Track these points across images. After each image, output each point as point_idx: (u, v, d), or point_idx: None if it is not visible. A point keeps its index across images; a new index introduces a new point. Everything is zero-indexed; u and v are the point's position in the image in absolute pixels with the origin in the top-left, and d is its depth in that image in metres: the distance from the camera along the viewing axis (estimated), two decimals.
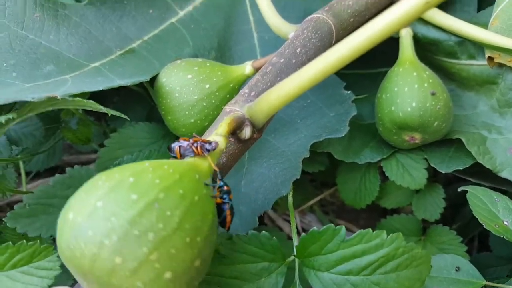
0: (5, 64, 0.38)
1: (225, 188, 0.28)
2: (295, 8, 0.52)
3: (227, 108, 0.36)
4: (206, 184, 0.26)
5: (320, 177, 0.56)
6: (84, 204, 0.22)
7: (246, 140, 0.35)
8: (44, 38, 0.41)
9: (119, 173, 0.23)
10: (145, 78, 0.43)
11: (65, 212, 0.23)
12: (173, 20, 0.49)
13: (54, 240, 0.43)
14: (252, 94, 0.37)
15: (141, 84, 0.47)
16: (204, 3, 0.52)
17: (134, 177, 0.23)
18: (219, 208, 0.28)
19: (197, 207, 0.24)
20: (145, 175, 0.23)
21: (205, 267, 0.25)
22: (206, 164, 0.27)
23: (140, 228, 0.21)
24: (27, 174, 0.56)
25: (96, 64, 0.43)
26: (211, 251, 0.25)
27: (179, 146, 0.28)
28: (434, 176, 0.53)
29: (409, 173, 0.47)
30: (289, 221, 0.56)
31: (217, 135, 0.30)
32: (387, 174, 0.48)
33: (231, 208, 0.28)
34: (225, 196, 0.28)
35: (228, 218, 0.28)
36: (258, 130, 0.36)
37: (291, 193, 0.45)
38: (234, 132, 0.35)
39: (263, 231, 0.36)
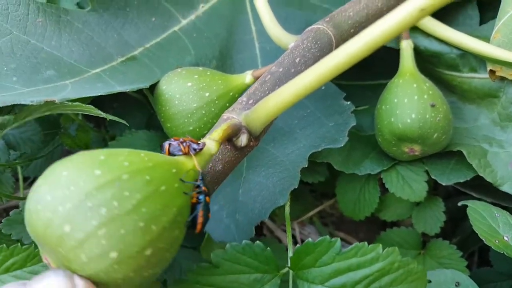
0: (5, 68, 0.38)
1: (203, 188, 0.27)
2: (296, 20, 0.53)
3: (225, 115, 0.36)
4: (182, 180, 0.26)
5: (320, 187, 0.56)
6: (52, 173, 0.23)
7: (243, 148, 0.35)
8: (46, 43, 0.41)
9: (95, 152, 0.24)
10: (146, 85, 0.43)
11: (38, 180, 0.24)
12: (176, 28, 0.50)
13: None
14: (250, 102, 0.37)
15: (141, 91, 0.47)
16: (206, 13, 0.52)
17: (106, 156, 0.24)
18: (193, 207, 0.28)
19: (161, 197, 0.24)
20: (117, 157, 0.24)
21: (160, 262, 0.24)
22: (191, 164, 0.27)
23: (94, 201, 0.22)
24: (25, 179, 0.56)
25: (97, 70, 0.44)
26: (170, 247, 0.25)
27: (169, 144, 0.29)
28: (434, 189, 0.53)
29: (409, 186, 0.47)
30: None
31: (210, 139, 0.30)
32: (387, 186, 0.47)
33: (206, 210, 0.28)
34: (200, 196, 0.27)
35: (200, 219, 0.27)
36: (255, 137, 0.36)
37: (288, 203, 0.45)
38: (230, 139, 0.35)
39: (257, 241, 0.35)
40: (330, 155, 0.48)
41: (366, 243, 0.32)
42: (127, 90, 0.40)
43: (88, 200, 0.22)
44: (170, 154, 0.28)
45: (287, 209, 0.45)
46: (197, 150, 0.28)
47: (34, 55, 0.41)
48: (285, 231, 0.56)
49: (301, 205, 0.54)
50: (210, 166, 0.34)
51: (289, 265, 0.35)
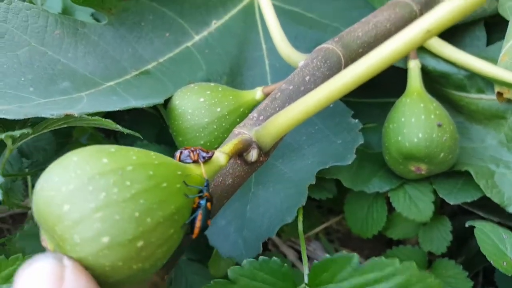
0: (23, 79, 0.40)
1: (205, 194, 0.28)
2: (306, 39, 0.54)
3: (236, 130, 0.37)
4: (185, 183, 0.27)
5: (327, 204, 0.56)
6: (65, 158, 0.24)
7: (253, 163, 0.36)
8: (63, 55, 0.43)
9: (107, 145, 0.26)
10: (160, 100, 0.44)
11: (51, 164, 0.25)
12: (189, 44, 0.51)
13: None
14: (260, 118, 0.38)
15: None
16: (219, 29, 0.53)
17: (116, 149, 0.25)
18: (193, 212, 0.28)
19: (161, 192, 0.25)
20: (127, 151, 0.25)
21: (150, 258, 0.25)
22: (199, 171, 0.28)
23: (96, 185, 0.23)
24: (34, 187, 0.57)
25: (111, 83, 0.45)
26: (162, 244, 0.25)
27: (180, 152, 0.30)
28: (441, 207, 0.53)
29: (416, 205, 0.47)
30: (293, 248, 0.56)
31: (220, 151, 0.31)
32: (394, 205, 0.48)
33: (205, 216, 0.28)
34: (202, 201, 0.28)
35: (198, 223, 0.28)
36: (264, 153, 0.37)
37: (300, 219, 0.46)
38: (241, 154, 0.36)
39: (274, 258, 0.35)
40: (339, 172, 0.49)
41: (383, 257, 0.32)
42: (143, 106, 0.41)
43: (90, 183, 0.23)
44: (180, 161, 0.29)
45: (300, 226, 0.45)
46: (206, 158, 0.29)
47: (51, 66, 0.42)
48: (290, 246, 0.56)
49: (308, 220, 0.55)
50: (220, 180, 0.35)
51: (306, 281, 0.36)
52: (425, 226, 0.50)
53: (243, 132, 0.36)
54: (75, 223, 0.22)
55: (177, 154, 0.30)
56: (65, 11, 0.48)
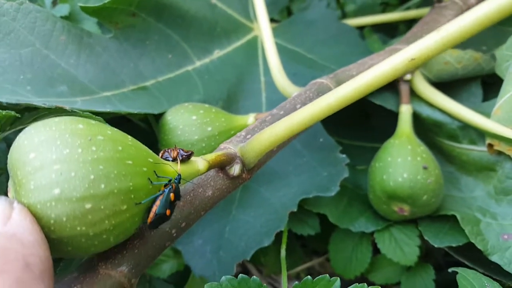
0: (22, 77, 0.42)
1: (172, 186, 0.29)
2: (304, 76, 0.57)
3: (222, 145, 0.39)
4: (155, 172, 0.29)
5: (311, 243, 0.56)
6: (50, 119, 0.27)
7: (235, 178, 0.37)
8: (64, 61, 0.45)
9: (90, 119, 0.28)
10: (153, 111, 0.46)
11: None
12: (189, 68, 0.54)
13: None
14: (247, 136, 0.39)
15: (146, 120, 0.50)
16: (220, 59, 0.57)
17: (96, 123, 0.28)
18: (154, 199, 0.29)
19: (123, 167, 0.26)
20: (105, 127, 0.28)
21: (95, 226, 0.26)
22: (176, 167, 0.30)
23: (63, 142, 0.25)
24: None
25: (108, 93, 0.47)
26: (111, 217, 0.26)
27: (164, 151, 0.32)
28: (426, 256, 0.53)
29: (400, 248, 0.47)
30: (273, 286, 0.56)
31: (202, 157, 0.32)
32: (379, 246, 0.48)
33: (164, 205, 0.29)
34: (166, 190, 0.29)
35: (153, 208, 0.29)
36: (248, 170, 0.38)
37: (284, 246, 0.46)
38: (223, 168, 0.37)
39: (254, 276, 0.35)
40: (326, 207, 0.50)
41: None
42: (135, 112, 0.43)
43: (59, 139, 0.25)
44: (163, 157, 0.32)
45: (283, 252, 0.46)
46: (184, 156, 0.31)
47: (51, 69, 0.44)
48: (271, 284, 0.55)
49: (291, 258, 0.54)
50: (200, 191, 0.36)
51: None
52: (409, 273, 0.50)
53: (228, 147, 0.38)
54: (35, 170, 0.25)
55: (161, 153, 0.32)
56: (72, 16, 0.51)
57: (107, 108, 0.44)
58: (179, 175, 0.30)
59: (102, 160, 0.26)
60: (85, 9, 0.45)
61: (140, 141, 0.44)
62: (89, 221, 0.25)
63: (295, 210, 0.44)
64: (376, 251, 0.50)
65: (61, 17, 0.52)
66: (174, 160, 0.31)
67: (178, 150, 0.31)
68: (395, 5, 0.69)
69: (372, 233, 0.50)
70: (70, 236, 0.25)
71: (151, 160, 0.29)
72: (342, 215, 0.49)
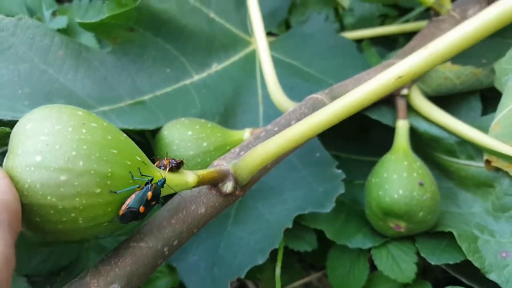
0: (20, 91, 0.42)
1: (152, 186, 0.30)
2: (301, 91, 0.57)
3: (215, 162, 0.39)
4: (139, 170, 0.30)
5: (308, 258, 0.56)
6: (58, 104, 0.30)
7: (228, 195, 0.37)
8: (62, 75, 0.46)
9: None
10: (149, 127, 0.46)
11: None
12: (187, 82, 0.55)
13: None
14: (241, 153, 0.40)
15: (143, 134, 0.51)
16: (218, 72, 0.57)
17: (96, 116, 0.30)
18: (131, 193, 0.30)
19: (106, 153, 0.28)
20: (102, 120, 0.30)
21: (66, 201, 0.27)
22: (163, 174, 0.32)
23: (58, 120, 0.28)
24: None
25: (105, 108, 0.48)
26: (83, 196, 0.28)
27: (159, 161, 0.33)
28: (424, 273, 0.53)
29: (398, 265, 0.47)
30: None
31: (193, 172, 0.32)
32: (375, 263, 0.48)
33: (139, 201, 0.30)
34: (145, 187, 0.30)
35: (127, 201, 0.30)
36: (241, 187, 0.38)
37: (279, 264, 0.46)
38: (216, 184, 0.37)
39: None
40: (324, 223, 0.50)
41: None
42: (130, 128, 0.44)
43: (55, 117, 0.28)
44: (158, 166, 0.33)
45: (278, 271, 0.46)
46: (173, 164, 0.32)
47: (49, 84, 0.45)
48: None
49: (288, 274, 0.54)
50: (192, 208, 0.36)
51: None
52: None
53: (221, 164, 0.38)
54: (25, 138, 0.27)
55: (157, 162, 0.34)
56: (71, 29, 0.52)
57: None
58: (164, 178, 0.31)
59: (87, 142, 0.28)
60: (83, 25, 0.46)
61: None
62: (61, 193, 0.27)
63: (290, 226, 0.45)
64: (373, 267, 0.50)
65: (59, 29, 0.53)
66: (165, 167, 0.32)
67: (170, 160, 0.33)
68: (394, 17, 0.69)
69: (369, 250, 0.50)
70: (40, 204, 0.27)
71: (138, 158, 0.30)
72: (339, 231, 0.49)
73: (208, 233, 0.47)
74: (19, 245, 0.42)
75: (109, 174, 0.28)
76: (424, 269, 0.50)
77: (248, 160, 0.36)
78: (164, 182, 0.31)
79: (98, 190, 0.28)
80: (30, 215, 0.28)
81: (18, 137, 0.28)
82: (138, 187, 0.30)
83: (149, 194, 0.30)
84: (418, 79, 0.55)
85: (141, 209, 0.30)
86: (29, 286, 0.45)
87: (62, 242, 0.42)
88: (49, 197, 0.27)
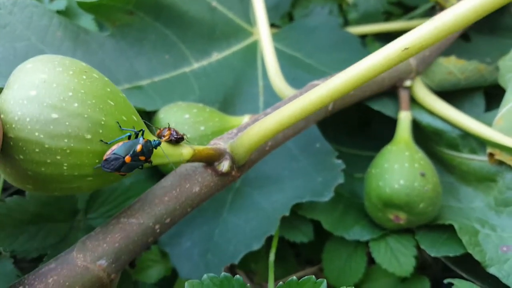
0: None
1: (143, 139, 0.30)
2: (303, 81, 0.56)
3: (212, 141, 0.38)
4: (134, 127, 0.30)
5: (305, 252, 0.55)
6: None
7: (224, 175, 0.37)
8: None
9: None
10: (145, 108, 0.46)
11: None
12: (187, 70, 0.54)
13: (14, 257, 0.43)
14: (238, 134, 0.39)
15: None
16: (219, 61, 0.57)
17: (100, 73, 0.31)
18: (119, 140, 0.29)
19: (102, 102, 0.28)
20: (105, 77, 0.31)
21: (56, 140, 0.27)
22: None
23: (60, 63, 0.28)
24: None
25: None
26: (73, 139, 0.27)
27: (161, 130, 0.33)
28: (423, 268, 0.52)
29: (396, 259, 0.46)
30: None
31: (190, 146, 0.32)
32: (373, 256, 0.47)
33: (127, 150, 0.29)
34: (134, 140, 0.29)
35: (113, 147, 0.29)
36: (238, 167, 0.37)
37: (273, 250, 0.45)
38: (212, 163, 0.36)
39: (237, 275, 0.34)
40: (321, 213, 0.49)
41: None
42: None
43: (58, 61, 0.28)
44: (159, 134, 0.33)
45: (272, 256, 0.45)
46: (173, 138, 0.32)
47: None
48: None
49: (283, 267, 0.53)
50: (187, 186, 0.36)
51: None
52: (404, 284, 0.48)
53: (218, 143, 0.38)
54: (25, 75, 0.27)
55: (161, 128, 0.33)
56: (70, 12, 0.51)
57: None
58: (159, 141, 0.31)
59: (86, 87, 0.28)
60: (82, 5, 0.46)
61: None
62: (50, 131, 0.27)
63: (287, 214, 0.44)
64: (371, 261, 0.49)
65: (58, 12, 0.52)
66: (164, 138, 0.32)
67: (172, 131, 0.32)
68: (399, 15, 0.69)
69: (367, 243, 0.49)
70: (26, 139, 0.26)
71: (135, 118, 0.30)
72: (337, 222, 0.48)
73: (204, 219, 0.46)
74: (6, 222, 0.41)
75: (102, 123, 0.28)
76: (423, 266, 0.49)
77: (245, 138, 0.35)
78: (159, 144, 0.31)
79: (89, 136, 0.28)
80: (13, 150, 0.27)
81: (18, 74, 0.28)
82: (129, 138, 0.30)
83: (139, 146, 0.29)
84: (423, 71, 0.54)
85: (127, 159, 0.29)
86: (16, 270, 0.44)
87: (41, 192, 0.40)
88: (37, 133, 0.27)
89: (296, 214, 0.49)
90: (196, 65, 0.55)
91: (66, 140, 0.27)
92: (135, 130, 0.30)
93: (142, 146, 0.29)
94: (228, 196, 0.48)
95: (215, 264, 0.42)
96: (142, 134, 0.30)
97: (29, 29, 0.44)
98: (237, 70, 0.57)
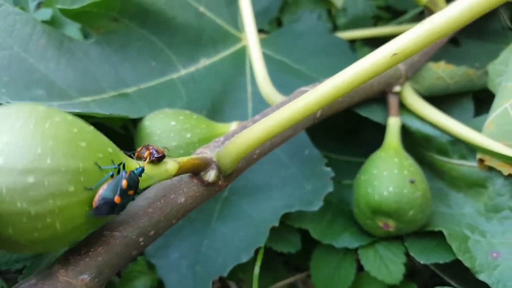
0: None
1: (126, 172, 0.28)
2: (292, 87, 0.55)
3: (198, 150, 0.38)
4: (112, 162, 0.28)
5: (294, 260, 0.54)
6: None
7: (210, 185, 0.36)
8: (43, 65, 0.45)
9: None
10: (131, 116, 0.45)
11: None
12: (174, 76, 0.53)
13: None
14: (225, 142, 0.38)
15: (126, 127, 0.49)
16: (207, 68, 0.56)
17: (60, 111, 0.28)
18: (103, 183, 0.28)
19: (74, 147, 0.26)
20: (68, 115, 0.28)
21: (40, 205, 0.25)
22: (141, 163, 0.30)
23: (18, 117, 0.26)
24: None
25: (87, 99, 0.46)
26: (57, 197, 0.25)
27: (141, 148, 0.32)
28: (412, 275, 0.51)
29: (385, 266, 0.46)
30: None
31: (174, 159, 0.31)
32: (362, 263, 0.47)
33: (113, 189, 0.28)
34: (117, 177, 0.28)
35: (99, 191, 0.27)
36: (224, 177, 0.37)
37: (258, 263, 0.44)
38: (198, 173, 0.36)
39: None
40: (309, 222, 0.48)
41: None
42: (107, 114, 0.42)
43: (16, 115, 0.26)
44: (139, 156, 0.31)
45: (257, 269, 0.44)
46: (154, 158, 0.30)
47: (29, 73, 0.44)
48: None
49: (271, 276, 0.53)
50: (172, 197, 0.35)
51: None
52: None
53: (204, 151, 0.37)
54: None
55: (138, 149, 0.32)
56: (55, 21, 0.51)
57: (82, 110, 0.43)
58: (142, 167, 0.29)
59: (52, 137, 0.25)
60: (64, 12, 0.45)
61: (119, 147, 0.43)
62: (31, 197, 0.24)
63: (277, 225, 0.43)
64: (360, 268, 0.48)
65: (44, 21, 0.51)
66: (146, 159, 0.30)
67: (151, 150, 0.31)
68: (388, 19, 0.69)
69: (356, 250, 0.48)
70: (10, 212, 0.24)
71: (110, 150, 0.28)
72: (325, 230, 0.48)
73: (192, 229, 0.45)
74: None
75: (81, 170, 0.26)
76: (412, 272, 0.48)
77: (232, 147, 0.35)
78: (142, 170, 0.29)
79: (72, 188, 0.26)
80: (1, 228, 0.25)
81: None
82: (112, 176, 0.28)
83: (124, 182, 0.28)
84: (412, 76, 0.54)
85: (117, 199, 0.28)
86: (1, 281, 0.43)
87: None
88: (18, 204, 0.24)
89: (284, 223, 0.48)
90: (183, 72, 0.54)
91: (51, 201, 0.25)
92: (115, 165, 0.28)
93: (127, 180, 0.28)
94: (217, 206, 0.47)
95: (204, 276, 0.42)
96: (124, 167, 0.28)
97: (11, 37, 0.43)
98: (226, 76, 0.57)
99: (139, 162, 0.30)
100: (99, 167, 0.27)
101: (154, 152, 0.30)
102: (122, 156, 0.29)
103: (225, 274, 0.41)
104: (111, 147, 0.29)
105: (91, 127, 0.28)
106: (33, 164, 0.24)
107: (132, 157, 0.31)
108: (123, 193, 0.28)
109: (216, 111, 0.54)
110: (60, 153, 0.25)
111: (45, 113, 0.26)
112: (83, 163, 0.26)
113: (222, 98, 0.55)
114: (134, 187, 0.29)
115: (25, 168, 0.24)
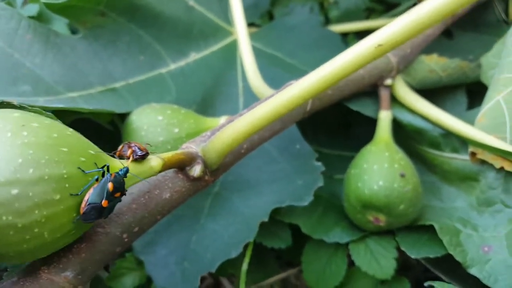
0: None
1: (111, 175, 0.28)
2: (283, 80, 0.54)
3: (184, 145, 0.37)
4: (96, 165, 0.27)
5: (286, 255, 0.54)
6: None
7: (196, 180, 0.35)
8: (29, 60, 0.44)
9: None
10: (118, 111, 0.44)
11: None
12: (163, 71, 0.53)
13: None
14: (212, 137, 0.38)
15: (113, 123, 0.49)
16: (197, 62, 0.55)
17: (36, 115, 0.27)
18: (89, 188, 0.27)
19: (56, 153, 0.25)
20: (43, 118, 0.27)
21: (26, 217, 0.24)
22: (125, 163, 0.29)
23: (20, 123, 0.25)
24: None
25: (74, 94, 0.46)
26: (43, 207, 0.25)
27: (122, 146, 0.31)
28: (404, 270, 0.51)
29: (376, 261, 0.45)
30: None
31: (158, 155, 0.30)
32: (353, 258, 0.46)
33: (100, 194, 0.27)
34: (102, 181, 0.27)
35: (86, 197, 0.27)
36: (211, 172, 0.36)
37: (247, 260, 0.44)
38: (183, 168, 0.35)
39: None
40: (299, 217, 0.48)
41: None
42: (93, 109, 0.42)
43: (11, 122, 0.25)
44: (120, 155, 0.30)
45: (245, 266, 0.44)
46: (138, 156, 0.29)
47: (15, 69, 0.43)
48: None
49: (263, 271, 0.52)
50: (156, 192, 0.34)
51: None
52: (383, 286, 0.47)
53: (190, 146, 0.36)
54: None
55: (120, 147, 0.31)
56: (42, 17, 0.50)
57: (68, 106, 0.43)
58: (126, 167, 0.28)
59: (32, 145, 0.24)
60: (49, 6, 0.44)
61: (105, 144, 0.42)
62: (16, 209, 0.24)
63: (266, 220, 0.43)
64: (352, 263, 0.48)
65: (31, 17, 0.51)
66: (128, 158, 0.29)
67: (133, 148, 0.30)
68: (381, 12, 0.68)
69: (347, 244, 0.48)
70: None
71: (92, 152, 0.27)
72: (316, 225, 0.47)
73: (180, 226, 0.45)
74: None
75: (65, 176, 0.25)
76: (404, 268, 0.48)
77: (217, 141, 0.34)
78: (127, 171, 0.29)
79: (58, 196, 0.25)
80: None
81: None
82: (97, 180, 0.27)
83: (110, 185, 0.28)
84: (404, 69, 0.53)
85: (104, 203, 0.27)
86: None
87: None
88: (4, 217, 0.24)
89: (274, 219, 0.47)
90: (173, 66, 0.54)
91: (37, 212, 0.24)
92: (99, 167, 0.28)
93: (113, 183, 0.28)
94: (207, 201, 0.47)
95: (192, 273, 0.41)
96: (108, 169, 0.28)
97: None
98: (216, 70, 0.56)
99: (123, 162, 0.30)
100: (83, 171, 0.26)
101: (137, 150, 0.30)
102: (105, 157, 0.29)
103: (213, 270, 0.41)
104: (92, 148, 0.28)
105: (70, 129, 0.28)
106: (15, 175, 0.24)
107: (114, 157, 0.30)
108: (110, 196, 0.28)
109: (207, 105, 0.53)
110: (42, 161, 0.25)
111: (21, 119, 0.25)
112: (67, 169, 0.25)
113: (213, 93, 0.54)
114: (120, 189, 0.28)
115: (7, 180, 0.23)
